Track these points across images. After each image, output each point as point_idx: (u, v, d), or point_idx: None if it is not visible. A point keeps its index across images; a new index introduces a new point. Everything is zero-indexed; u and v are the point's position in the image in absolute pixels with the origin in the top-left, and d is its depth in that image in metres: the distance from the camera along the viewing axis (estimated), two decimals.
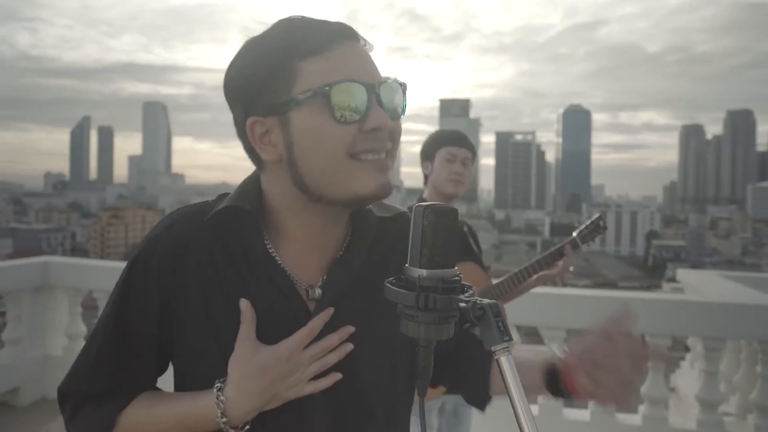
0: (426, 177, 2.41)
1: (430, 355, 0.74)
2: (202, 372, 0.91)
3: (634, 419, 3.60)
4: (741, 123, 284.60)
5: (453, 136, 2.39)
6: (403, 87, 0.88)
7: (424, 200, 2.38)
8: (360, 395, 0.93)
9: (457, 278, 0.71)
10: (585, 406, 3.71)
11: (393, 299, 0.72)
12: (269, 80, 0.84)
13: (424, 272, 0.70)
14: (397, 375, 0.97)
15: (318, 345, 0.88)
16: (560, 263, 2.33)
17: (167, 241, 0.91)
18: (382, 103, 0.84)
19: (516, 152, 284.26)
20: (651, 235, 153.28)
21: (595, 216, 2.40)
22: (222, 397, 0.86)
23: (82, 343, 4.21)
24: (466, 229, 2.48)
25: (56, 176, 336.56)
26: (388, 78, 0.87)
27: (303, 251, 0.93)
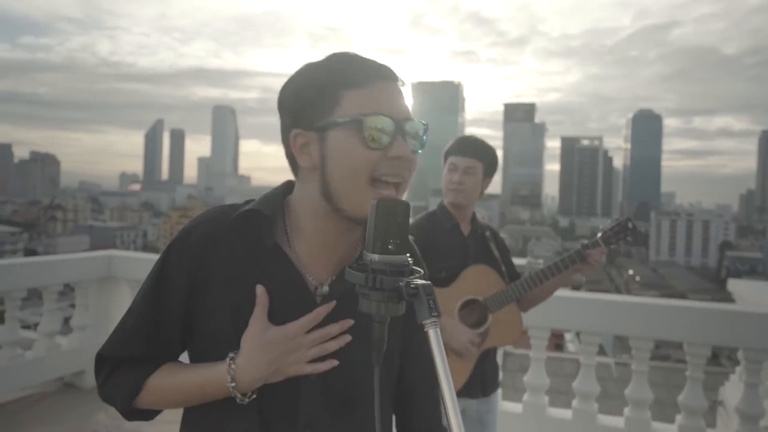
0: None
1: (384, 330, 0.86)
2: (215, 351, 1.04)
3: (671, 429, 3.56)
4: None
5: (457, 145, 2.45)
6: (425, 127, 1.04)
7: (445, 208, 2.49)
8: (353, 381, 1.07)
9: (405, 263, 0.84)
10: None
11: (350, 280, 0.85)
12: (316, 101, 1.01)
13: (375, 257, 0.83)
14: (387, 366, 1.11)
15: (320, 331, 1.03)
16: (584, 266, 2.29)
17: (197, 234, 1.07)
18: (405, 137, 1.00)
19: (582, 158, 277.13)
20: (725, 245, 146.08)
21: (623, 218, 2.35)
22: (233, 366, 1.00)
23: None
24: (488, 234, 2.54)
25: (131, 176, 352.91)
26: (413, 118, 1.03)
27: (318, 252, 1.08)
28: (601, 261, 2.29)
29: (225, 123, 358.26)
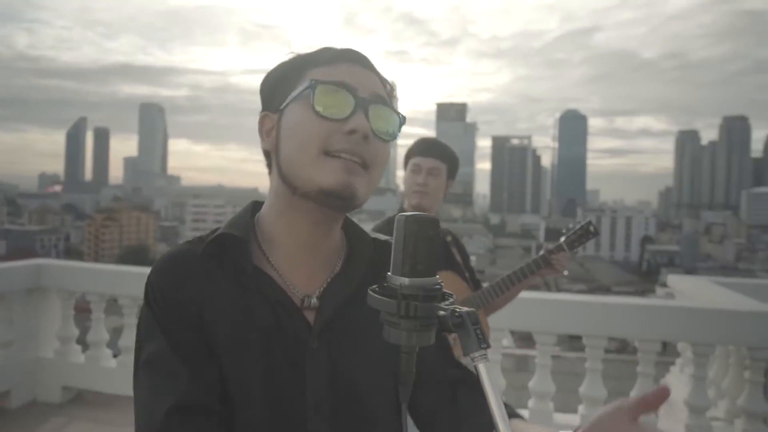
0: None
1: (412, 362, 0.75)
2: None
3: None
4: (736, 129, 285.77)
5: (420, 146, 2.36)
6: (401, 120, 0.95)
7: (404, 211, 2.38)
8: (360, 404, 0.95)
9: (438, 286, 0.73)
10: None
11: (375, 307, 0.74)
12: (281, 83, 0.96)
13: (405, 281, 0.72)
14: (395, 385, 0.99)
15: None
16: (549, 270, 2.31)
17: (165, 276, 0.93)
18: (368, 117, 0.90)
19: (512, 157, 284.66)
20: (645, 240, 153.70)
21: (585, 221, 2.36)
22: None
23: (74, 346, 4.18)
24: (449, 239, 2.48)
25: (51, 177, 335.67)
26: (386, 105, 0.93)
27: (294, 258, 0.97)
28: (566, 265, 2.30)
29: (153, 121, 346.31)
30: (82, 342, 4.62)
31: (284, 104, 0.93)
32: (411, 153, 2.36)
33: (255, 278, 0.93)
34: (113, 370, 4.40)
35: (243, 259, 0.93)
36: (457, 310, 0.70)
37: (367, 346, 0.94)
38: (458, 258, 2.44)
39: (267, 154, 0.99)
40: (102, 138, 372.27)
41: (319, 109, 0.88)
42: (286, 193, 0.94)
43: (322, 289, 0.97)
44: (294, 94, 0.91)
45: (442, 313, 0.70)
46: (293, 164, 0.91)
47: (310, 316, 0.95)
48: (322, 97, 0.88)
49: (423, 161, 2.31)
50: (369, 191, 0.93)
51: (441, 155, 2.34)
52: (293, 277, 0.96)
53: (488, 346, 0.69)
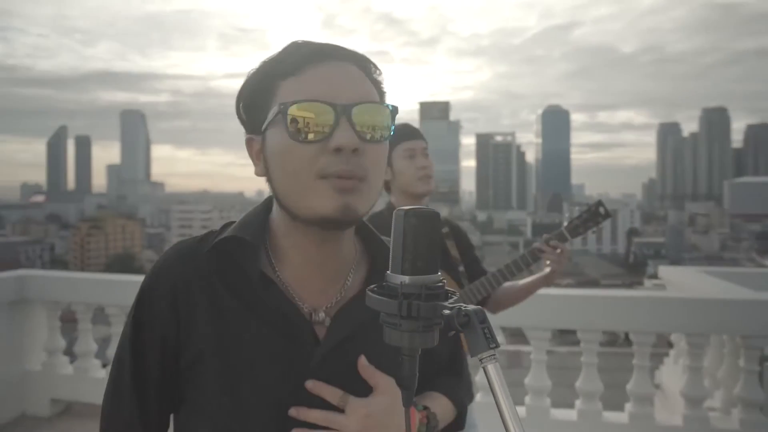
0: (387, 183, 2.17)
1: (414, 365, 0.71)
2: (204, 405, 0.89)
3: (621, 417, 3.61)
4: (716, 120, 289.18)
5: (404, 130, 2.16)
6: (393, 111, 0.87)
7: (392, 206, 2.19)
8: None
9: (440, 284, 0.69)
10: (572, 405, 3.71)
11: (375, 307, 0.70)
12: (255, 100, 0.88)
13: (406, 279, 0.67)
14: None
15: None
16: (552, 260, 2.10)
17: (163, 281, 0.91)
18: (353, 124, 0.82)
19: (496, 153, 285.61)
20: (632, 232, 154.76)
21: (594, 202, 2.13)
22: None
23: (61, 358, 4.10)
24: (446, 230, 2.33)
25: (33, 187, 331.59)
26: (370, 101, 0.85)
27: (302, 275, 0.93)
28: (564, 251, 2.10)
29: (135, 128, 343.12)
30: (70, 353, 4.53)
31: (263, 127, 0.86)
32: (396, 139, 2.11)
33: (261, 286, 0.89)
34: (103, 381, 4.29)
35: (250, 266, 0.89)
36: (464, 308, 0.66)
37: (379, 365, 0.91)
38: (454, 252, 2.29)
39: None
40: (83, 146, 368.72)
41: (295, 135, 0.81)
42: (286, 218, 0.89)
43: (331, 304, 0.93)
44: (270, 117, 0.84)
45: (446, 312, 0.66)
46: (287, 194, 0.86)
47: (318, 330, 0.91)
48: (297, 118, 0.81)
49: (415, 144, 2.14)
50: (371, 201, 0.88)
51: (423, 137, 2.19)
52: (301, 290, 0.92)
53: (497, 346, 0.64)
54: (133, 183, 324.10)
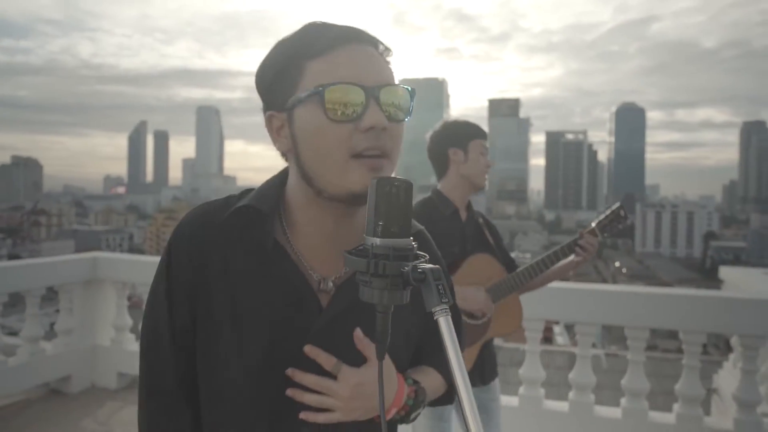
0: (448, 165, 2.37)
1: (387, 320, 0.79)
2: (217, 362, 0.96)
3: (668, 418, 3.53)
4: None
5: (478, 129, 2.39)
6: (411, 93, 0.93)
7: (442, 194, 2.39)
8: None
9: (410, 248, 0.77)
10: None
11: (350, 267, 0.77)
12: (280, 78, 0.92)
13: (377, 241, 0.75)
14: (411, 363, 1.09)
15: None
16: (582, 252, 2.28)
17: (192, 229, 0.99)
18: (380, 105, 0.88)
19: (567, 152, 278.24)
20: (709, 236, 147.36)
21: (615, 205, 2.34)
22: None
23: (128, 335, 4.39)
24: (481, 221, 2.49)
25: (115, 179, 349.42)
26: (392, 83, 0.91)
27: (315, 244, 0.99)
28: (596, 247, 2.29)
29: (209, 123, 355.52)
30: (136, 331, 4.84)
31: (290, 104, 0.91)
32: (472, 134, 2.35)
33: (274, 253, 0.96)
34: None
35: (265, 234, 0.95)
36: (420, 266, 0.73)
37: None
38: (491, 240, 2.45)
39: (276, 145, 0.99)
40: (161, 140, 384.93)
41: (333, 116, 0.87)
42: (308, 192, 0.94)
43: (339, 275, 1.00)
44: (301, 96, 0.88)
45: (405, 269, 0.73)
46: (318, 170, 0.90)
47: (324, 299, 0.98)
48: (332, 100, 0.86)
49: (486, 144, 2.38)
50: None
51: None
52: (312, 259, 0.99)
53: (450, 302, 0.71)
54: (207, 176, 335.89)
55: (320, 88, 0.86)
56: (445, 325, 0.70)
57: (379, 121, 0.87)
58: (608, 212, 2.33)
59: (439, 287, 0.71)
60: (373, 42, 0.94)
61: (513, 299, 2.39)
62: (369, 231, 0.76)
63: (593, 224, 2.33)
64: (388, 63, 0.96)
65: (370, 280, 0.75)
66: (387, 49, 0.96)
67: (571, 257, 2.31)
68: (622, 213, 2.30)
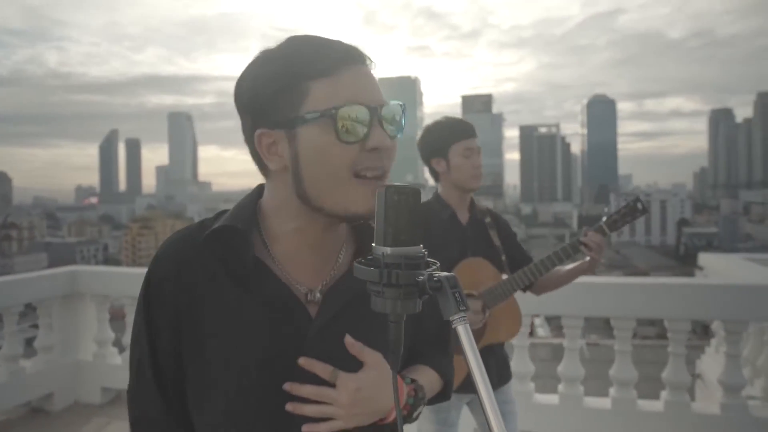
0: (437, 174, 2.31)
1: (400, 330, 0.77)
2: (210, 386, 0.94)
3: (656, 406, 3.58)
4: None
5: (464, 128, 2.27)
6: (402, 108, 0.94)
7: (440, 197, 2.34)
8: None
9: (421, 255, 0.75)
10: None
11: (361, 277, 0.76)
12: (279, 97, 0.90)
13: (388, 250, 0.73)
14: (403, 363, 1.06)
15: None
16: (588, 252, 2.13)
17: (166, 264, 0.97)
18: (383, 124, 0.90)
19: (540, 145, 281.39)
20: (682, 223, 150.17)
21: (631, 199, 2.19)
22: None
23: (111, 349, 4.30)
24: (488, 220, 2.38)
25: (87, 190, 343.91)
26: (389, 101, 0.93)
27: (300, 255, 0.98)
28: (602, 246, 2.14)
29: (182, 130, 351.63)
30: (118, 344, 4.76)
31: (292, 123, 0.90)
32: (452, 138, 2.25)
33: (256, 271, 0.95)
34: None
35: (244, 252, 0.94)
36: (436, 274, 0.72)
37: (369, 341, 0.96)
38: (496, 241, 2.35)
39: (258, 161, 0.97)
40: (133, 149, 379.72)
41: (344, 137, 0.87)
42: (301, 208, 0.94)
43: (325, 282, 0.99)
44: (308, 116, 0.88)
45: (420, 278, 0.72)
46: (321, 190, 0.90)
47: (312, 310, 0.97)
48: (344, 121, 0.87)
49: (472, 143, 2.25)
50: None
51: (476, 133, 2.31)
52: (295, 271, 0.98)
53: (467, 309, 0.70)
54: (181, 183, 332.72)
55: (333, 111, 0.87)
56: (464, 332, 0.69)
57: (383, 142, 0.90)
58: (622, 207, 2.20)
59: (456, 295, 0.71)
60: (367, 59, 0.95)
61: (510, 304, 2.31)
62: (378, 240, 0.75)
63: (602, 221, 2.21)
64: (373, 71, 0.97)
65: (382, 290, 0.74)
66: (372, 62, 0.97)
67: (587, 260, 2.17)
68: (639, 206, 2.17)
